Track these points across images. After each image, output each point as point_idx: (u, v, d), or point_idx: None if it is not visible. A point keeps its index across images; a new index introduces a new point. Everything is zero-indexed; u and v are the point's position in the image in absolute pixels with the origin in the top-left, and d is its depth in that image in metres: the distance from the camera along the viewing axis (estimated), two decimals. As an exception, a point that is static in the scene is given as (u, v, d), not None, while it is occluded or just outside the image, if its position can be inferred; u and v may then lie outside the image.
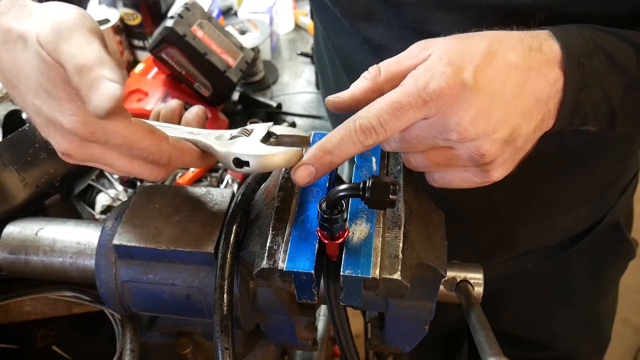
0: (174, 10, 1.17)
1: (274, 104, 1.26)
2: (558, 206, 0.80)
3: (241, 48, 1.20)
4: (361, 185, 0.42)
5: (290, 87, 1.37)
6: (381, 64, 0.49)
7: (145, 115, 1.11)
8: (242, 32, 1.34)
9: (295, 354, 0.85)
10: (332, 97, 0.50)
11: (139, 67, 1.22)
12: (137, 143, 0.45)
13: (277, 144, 0.49)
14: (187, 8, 1.12)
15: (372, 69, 0.49)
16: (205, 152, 0.50)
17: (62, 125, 0.43)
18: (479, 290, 0.53)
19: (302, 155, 0.46)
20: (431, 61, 0.44)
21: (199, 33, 1.12)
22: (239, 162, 0.46)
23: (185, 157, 0.49)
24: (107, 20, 1.25)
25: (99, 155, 0.46)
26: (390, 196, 0.42)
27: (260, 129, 0.49)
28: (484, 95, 0.43)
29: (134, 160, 0.47)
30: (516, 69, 0.45)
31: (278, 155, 0.45)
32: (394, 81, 0.47)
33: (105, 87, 0.39)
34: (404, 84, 0.44)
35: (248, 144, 0.47)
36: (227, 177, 1.09)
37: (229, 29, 1.29)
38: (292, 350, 0.82)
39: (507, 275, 0.90)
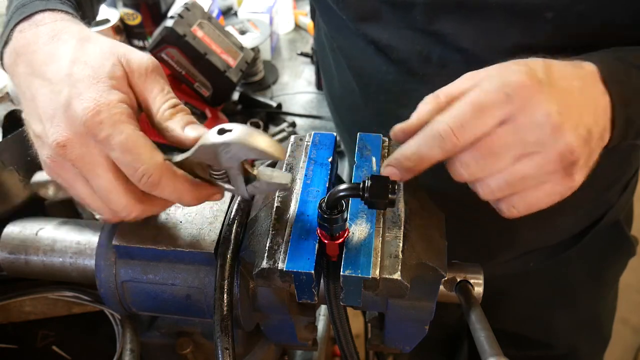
0: (174, 10, 1.17)
1: (274, 104, 1.26)
2: (559, 205, 0.80)
3: (241, 48, 1.20)
4: (361, 185, 0.42)
5: (290, 87, 1.37)
6: (437, 91, 0.48)
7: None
8: (242, 32, 1.34)
9: (295, 354, 0.85)
10: (399, 126, 0.48)
11: (139, 67, 1.22)
12: (135, 147, 0.43)
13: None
14: (187, 8, 1.12)
15: (429, 97, 0.48)
16: (196, 184, 0.47)
17: (73, 110, 0.43)
18: (479, 290, 0.53)
19: (284, 153, 0.44)
20: (499, 65, 0.44)
21: (199, 33, 1.12)
22: (223, 130, 0.42)
23: (177, 183, 0.45)
24: (107, 20, 1.25)
25: (90, 160, 0.44)
26: (390, 196, 0.42)
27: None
28: (561, 91, 0.43)
29: (118, 180, 0.44)
30: (573, 76, 0.45)
31: (263, 137, 0.41)
32: (455, 101, 0.46)
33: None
34: (479, 85, 0.43)
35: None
36: (227, 177, 1.09)
37: (229, 29, 1.29)
38: (292, 350, 0.82)
39: (507, 275, 0.90)
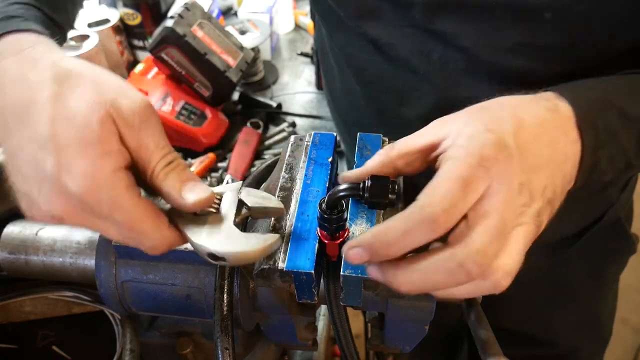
0: (174, 10, 1.17)
1: (274, 104, 1.26)
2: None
3: (241, 48, 1.20)
4: (361, 185, 0.42)
5: (290, 87, 1.37)
6: (396, 142, 0.46)
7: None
8: (242, 32, 1.34)
9: (295, 354, 0.85)
10: (344, 174, 0.47)
11: (139, 67, 1.22)
12: (138, 225, 0.40)
13: (250, 215, 0.45)
14: (187, 8, 1.12)
15: (386, 147, 0.47)
16: None
17: (64, 185, 0.39)
18: (479, 290, 0.53)
19: (280, 241, 0.43)
20: (467, 132, 0.42)
21: (199, 33, 1.12)
22: (215, 257, 0.42)
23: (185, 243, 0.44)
24: (107, 20, 1.25)
25: (93, 224, 0.41)
26: (390, 196, 0.42)
27: (229, 196, 0.45)
28: (528, 156, 0.42)
29: (130, 241, 0.42)
30: (544, 129, 0.44)
31: (256, 251, 0.42)
32: (408, 157, 0.45)
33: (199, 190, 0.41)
34: (455, 157, 0.40)
35: (222, 234, 0.42)
36: (227, 177, 1.09)
37: (229, 29, 1.29)
38: (292, 350, 0.82)
39: None
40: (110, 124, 0.40)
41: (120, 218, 0.40)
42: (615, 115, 0.48)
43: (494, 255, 0.39)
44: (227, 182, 1.09)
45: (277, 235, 0.43)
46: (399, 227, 0.38)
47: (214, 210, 0.44)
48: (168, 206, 0.43)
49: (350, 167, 1.09)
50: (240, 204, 0.45)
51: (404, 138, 0.46)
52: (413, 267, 0.39)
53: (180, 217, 0.43)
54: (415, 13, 0.61)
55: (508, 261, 0.40)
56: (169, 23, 1.09)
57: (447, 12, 0.60)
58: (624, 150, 0.49)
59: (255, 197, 0.46)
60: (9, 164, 0.42)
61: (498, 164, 0.40)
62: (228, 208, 0.44)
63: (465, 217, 0.39)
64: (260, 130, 1.19)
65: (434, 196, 0.38)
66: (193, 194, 0.42)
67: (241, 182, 0.47)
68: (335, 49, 0.81)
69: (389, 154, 0.45)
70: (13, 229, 0.59)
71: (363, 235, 0.40)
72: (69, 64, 0.42)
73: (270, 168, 0.57)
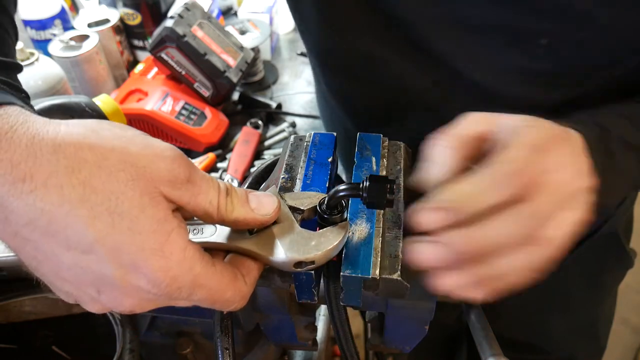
0: (174, 10, 1.17)
1: (274, 104, 1.26)
2: None
3: (241, 48, 1.20)
4: (360, 185, 0.42)
5: (290, 87, 1.37)
6: (445, 133, 0.44)
7: (144, 114, 1.11)
8: (242, 32, 1.34)
9: (295, 354, 0.85)
10: (420, 177, 0.44)
11: (139, 67, 1.22)
12: (220, 296, 0.38)
13: (305, 217, 0.44)
14: (187, 8, 1.12)
15: (441, 140, 0.43)
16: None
17: (133, 285, 0.34)
18: (478, 290, 0.53)
19: (348, 226, 0.43)
20: (526, 122, 0.42)
21: (199, 33, 1.12)
22: (302, 264, 0.41)
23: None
24: (107, 20, 1.25)
25: (167, 304, 0.38)
26: (388, 196, 0.42)
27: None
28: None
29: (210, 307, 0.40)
30: (569, 143, 0.45)
31: (338, 244, 0.42)
32: (470, 144, 0.43)
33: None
34: (525, 130, 0.41)
35: (300, 240, 0.42)
36: (227, 177, 1.09)
37: (229, 29, 1.29)
38: (292, 350, 0.82)
39: None
40: (159, 198, 0.34)
41: (200, 295, 0.36)
42: (621, 145, 0.49)
43: (547, 218, 0.39)
44: (228, 182, 1.09)
45: (344, 223, 0.43)
46: (484, 181, 0.38)
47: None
48: (212, 238, 0.41)
49: (348, 166, 1.09)
50: (291, 208, 0.44)
51: (447, 130, 0.44)
52: (482, 224, 0.38)
53: (235, 241, 0.41)
54: (411, 32, 0.60)
55: (558, 234, 0.40)
56: (169, 23, 1.09)
57: (443, 32, 0.59)
58: (627, 176, 0.50)
59: (301, 199, 0.45)
60: (31, 269, 0.36)
61: (560, 146, 0.41)
62: (282, 216, 0.43)
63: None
64: (260, 130, 1.19)
65: (512, 153, 0.39)
66: (263, 207, 0.40)
67: (274, 187, 0.47)
68: (316, 68, 0.80)
69: (456, 143, 0.42)
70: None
71: (438, 198, 0.38)
72: (72, 138, 0.32)
73: (270, 168, 0.57)
